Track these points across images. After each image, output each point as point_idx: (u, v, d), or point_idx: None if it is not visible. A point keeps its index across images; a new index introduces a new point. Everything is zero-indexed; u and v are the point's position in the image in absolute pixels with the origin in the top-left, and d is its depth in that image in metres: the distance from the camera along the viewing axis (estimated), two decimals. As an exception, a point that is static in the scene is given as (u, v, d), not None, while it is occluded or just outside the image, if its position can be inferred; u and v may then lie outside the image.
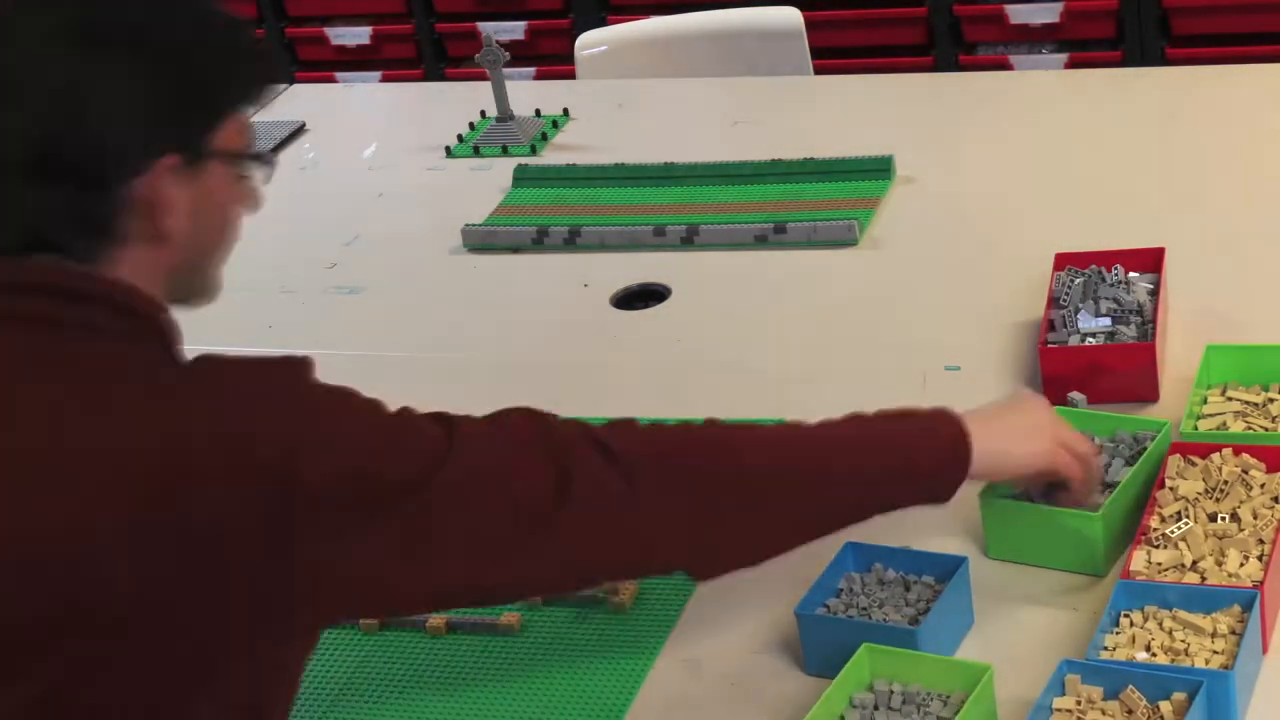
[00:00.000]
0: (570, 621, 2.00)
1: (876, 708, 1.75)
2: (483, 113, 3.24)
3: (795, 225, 2.67)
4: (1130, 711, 1.67)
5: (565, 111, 3.23)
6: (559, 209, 2.89)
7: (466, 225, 2.83)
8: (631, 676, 1.91)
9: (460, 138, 3.19)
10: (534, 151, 3.11)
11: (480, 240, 2.81)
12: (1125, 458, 1.99)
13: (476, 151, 3.14)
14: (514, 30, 4.90)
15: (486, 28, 4.90)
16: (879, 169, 2.81)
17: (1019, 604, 1.91)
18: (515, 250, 2.78)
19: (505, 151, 3.12)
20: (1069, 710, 1.68)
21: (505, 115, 3.16)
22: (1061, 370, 2.17)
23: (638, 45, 3.60)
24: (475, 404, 2.43)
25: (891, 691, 1.76)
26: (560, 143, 3.15)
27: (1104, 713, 1.67)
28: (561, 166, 3.00)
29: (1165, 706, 1.66)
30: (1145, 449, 1.98)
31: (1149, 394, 2.16)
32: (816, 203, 2.76)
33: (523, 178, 2.99)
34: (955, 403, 2.22)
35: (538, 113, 3.22)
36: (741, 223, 2.72)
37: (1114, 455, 2.00)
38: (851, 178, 2.81)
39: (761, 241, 2.68)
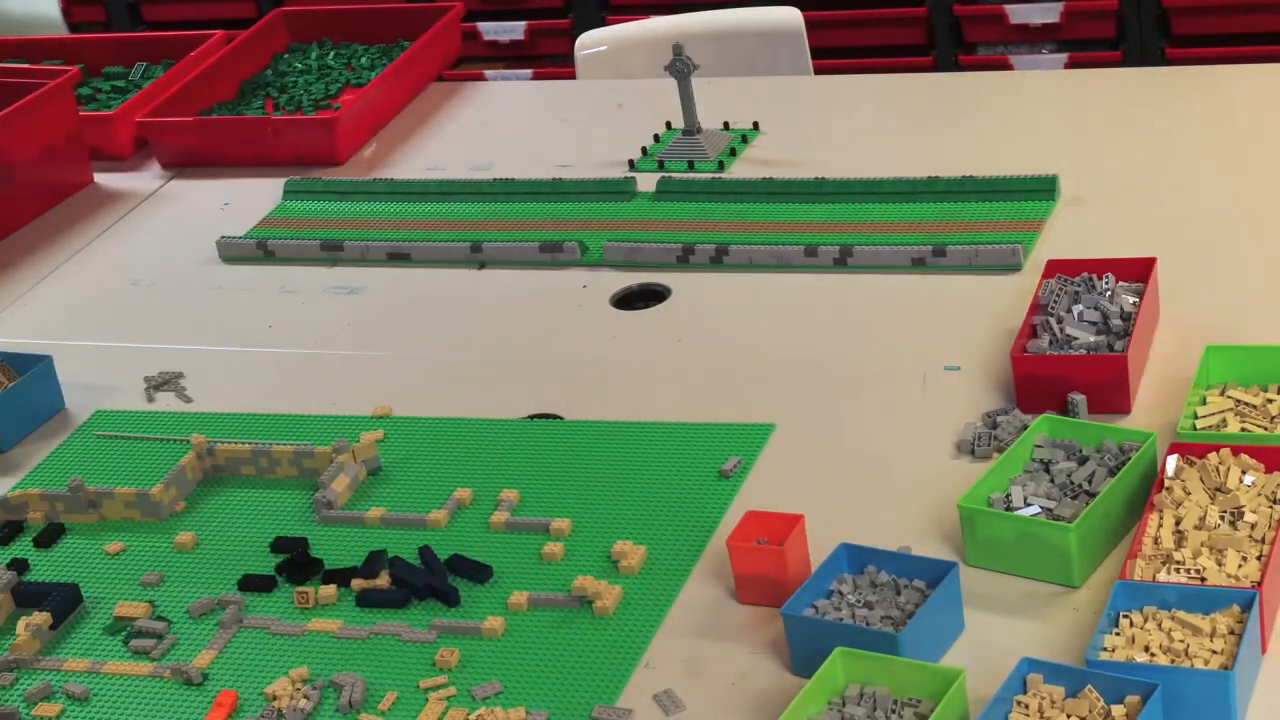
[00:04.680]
0: (553, 626, 1.99)
1: (850, 712, 1.74)
2: (668, 124, 3.08)
3: (955, 249, 2.53)
4: (1087, 712, 1.68)
5: (755, 125, 3.05)
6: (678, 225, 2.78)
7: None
8: (613, 681, 1.90)
9: (644, 150, 3.03)
10: (722, 168, 2.93)
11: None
12: (1109, 468, 1.99)
13: (661, 166, 2.97)
14: (514, 30, 4.90)
15: (487, 28, 4.91)
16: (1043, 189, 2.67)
17: (1016, 610, 1.90)
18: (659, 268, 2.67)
19: (691, 167, 2.94)
20: (1026, 705, 1.69)
21: (692, 129, 2.98)
22: (1035, 375, 2.16)
23: (638, 45, 3.60)
24: (476, 403, 2.45)
25: (863, 695, 1.75)
26: (752, 157, 2.97)
27: (1063, 711, 1.68)
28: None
29: (1118, 710, 1.66)
30: (1130, 459, 1.98)
31: (1121, 405, 2.15)
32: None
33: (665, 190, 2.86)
34: (954, 402, 2.23)
35: (726, 125, 3.05)
36: (896, 244, 2.58)
37: (1099, 465, 1.99)
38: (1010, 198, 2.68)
39: (919, 264, 2.54)
